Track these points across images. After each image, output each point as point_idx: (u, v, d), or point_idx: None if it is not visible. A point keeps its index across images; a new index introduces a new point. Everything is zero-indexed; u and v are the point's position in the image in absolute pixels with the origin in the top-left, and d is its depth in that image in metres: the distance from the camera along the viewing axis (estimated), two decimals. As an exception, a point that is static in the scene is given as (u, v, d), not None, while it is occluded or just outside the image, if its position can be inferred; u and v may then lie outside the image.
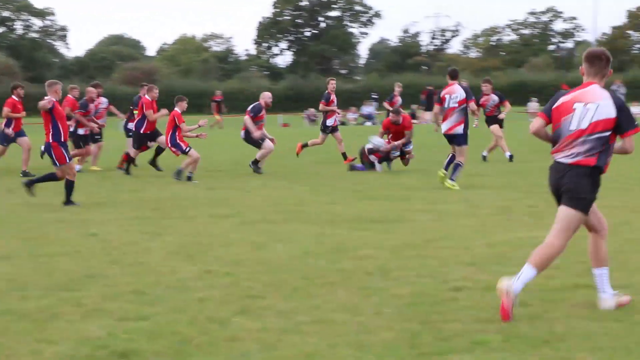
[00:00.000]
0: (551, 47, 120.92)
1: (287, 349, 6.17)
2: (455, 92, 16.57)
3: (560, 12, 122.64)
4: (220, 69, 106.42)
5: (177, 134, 19.00)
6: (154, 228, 11.97)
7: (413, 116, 48.71)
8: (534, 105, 56.41)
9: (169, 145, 19.10)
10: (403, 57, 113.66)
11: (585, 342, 6.12)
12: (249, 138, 20.36)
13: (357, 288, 8.04)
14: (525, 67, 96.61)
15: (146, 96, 20.60)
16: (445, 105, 16.69)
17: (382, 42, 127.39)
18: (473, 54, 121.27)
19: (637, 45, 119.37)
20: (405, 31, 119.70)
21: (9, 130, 20.69)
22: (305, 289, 8.07)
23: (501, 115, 23.05)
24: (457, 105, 16.52)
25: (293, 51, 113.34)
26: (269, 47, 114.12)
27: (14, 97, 20.69)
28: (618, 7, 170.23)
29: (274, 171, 20.09)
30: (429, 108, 54.96)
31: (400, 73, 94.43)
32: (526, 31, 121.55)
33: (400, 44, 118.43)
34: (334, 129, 22.37)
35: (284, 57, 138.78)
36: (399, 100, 29.31)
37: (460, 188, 16.03)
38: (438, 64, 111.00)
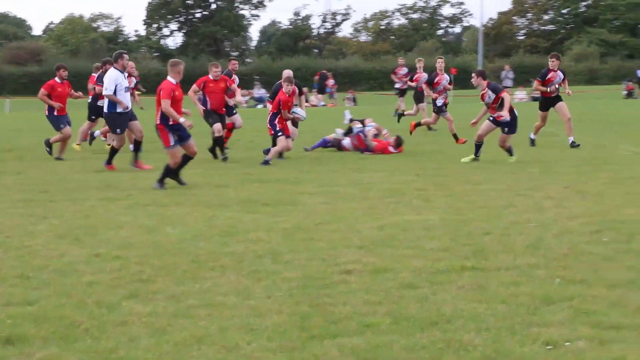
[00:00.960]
0: (440, 32, 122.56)
1: (177, 333, 6.12)
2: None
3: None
4: (109, 49, 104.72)
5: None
6: (41, 211, 11.73)
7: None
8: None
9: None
10: (294, 40, 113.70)
11: (472, 323, 6.23)
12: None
13: (248, 271, 8.03)
14: (414, 51, 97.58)
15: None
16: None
17: (273, 24, 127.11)
18: (363, 37, 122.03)
19: (523, 31, 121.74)
20: (297, 14, 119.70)
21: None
22: (195, 272, 8.02)
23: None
24: None
25: (183, 32, 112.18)
26: (159, 28, 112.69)
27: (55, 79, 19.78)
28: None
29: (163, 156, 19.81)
30: (321, 91, 55.28)
31: (291, 56, 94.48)
32: (415, 15, 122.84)
33: (291, 27, 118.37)
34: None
35: (174, 39, 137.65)
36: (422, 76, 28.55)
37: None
38: (329, 47, 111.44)
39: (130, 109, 17.38)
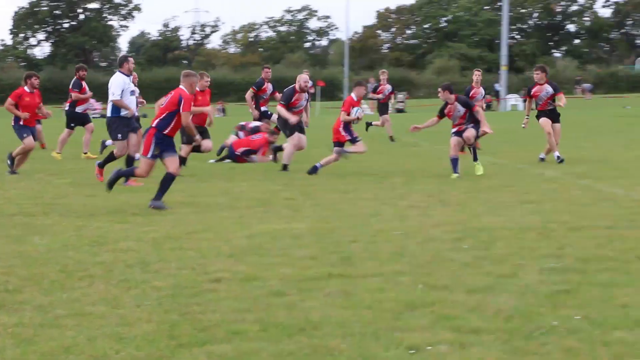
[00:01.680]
0: (307, 45, 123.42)
1: (44, 343, 5.99)
2: None
3: (315, 11, 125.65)
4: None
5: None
6: None
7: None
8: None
9: None
10: (163, 51, 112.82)
11: (339, 329, 6.28)
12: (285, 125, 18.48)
13: (117, 281, 7.91)
14: (282, 63, 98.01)
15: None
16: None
17: (142, 35, 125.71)
18: (232, 49, 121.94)
19: (387, 45, 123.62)
20: (166, 25, 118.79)
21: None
22: (64, 282, 7.86)
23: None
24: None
25: (51, 42, 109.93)
26: (26, 38, 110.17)
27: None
28: (368, 7, 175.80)
29: (33, 166, 19.37)
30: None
31: (160, 67, 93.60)
32: (283, 28, 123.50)
33: (160, 38, 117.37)
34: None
35: (41, 48, 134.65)
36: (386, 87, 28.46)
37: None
38: (198, 59, 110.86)
39: (135, 116, 16.41)
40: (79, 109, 21.62)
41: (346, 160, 17.72)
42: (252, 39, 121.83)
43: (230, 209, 12.54)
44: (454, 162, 16.67)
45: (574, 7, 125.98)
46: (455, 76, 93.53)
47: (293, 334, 6.18)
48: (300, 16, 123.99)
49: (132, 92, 16.11)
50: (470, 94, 22.31)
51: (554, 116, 19.02)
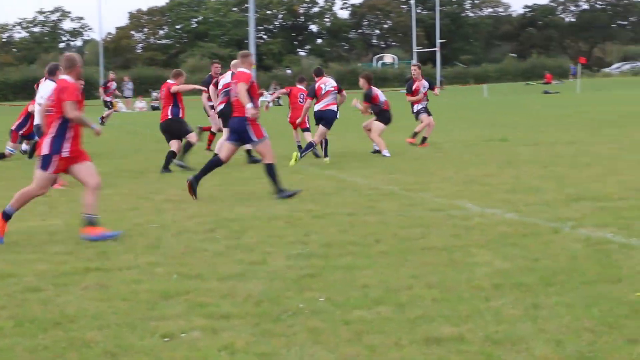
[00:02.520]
0: (62, 45, 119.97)
1: None
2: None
3: (69, 12, 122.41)
4: None
5: None
6: None
7: None
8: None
9: None
10: None
11: (95, 321, 6.14)
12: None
13: None
14: (37, 64, 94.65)
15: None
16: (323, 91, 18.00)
17: None
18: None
19: (141, 45, 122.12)
20: None
21: None
22: None
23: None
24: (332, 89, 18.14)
25: None
26: None
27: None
28: (121, 8, 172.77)
29: None
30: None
31: None
32: (36, 29, 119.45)
33: None
34: None
35: None
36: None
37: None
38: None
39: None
40: None
41: (105, 159, 17.36)
42: (5, 40, 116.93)
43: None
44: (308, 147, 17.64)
45: (315, 9, 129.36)
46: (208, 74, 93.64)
47: (48, 329, 6.00)
48: (53, 17, 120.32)
49: None
50: (414, 87, 21.43)
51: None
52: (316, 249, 8.60)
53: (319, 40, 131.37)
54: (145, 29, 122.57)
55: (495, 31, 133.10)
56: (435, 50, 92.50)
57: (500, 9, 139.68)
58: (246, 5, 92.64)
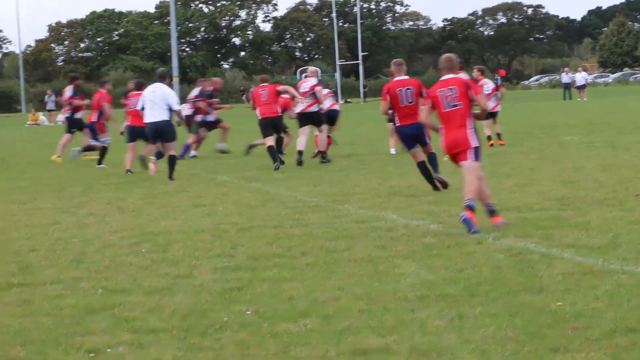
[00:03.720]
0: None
1: None
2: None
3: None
4: None
5: None
6: None
7: None
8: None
9: None
10: None
11: (18, 338, 6.03)
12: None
13: None
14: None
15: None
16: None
17: None
18: None
19: (61, 58, 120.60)
20: None
21: None
22: None
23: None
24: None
25: None
26: None
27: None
28: (40, 21, 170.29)
29: None
30: None
31: None
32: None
33: None
34: None
35: None
36: None
37: None
38: None
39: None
40: (78, 115, 22.08)
41: (24, 173, 17.07)
42: None
43: None
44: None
45: (238, 22, 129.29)
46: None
47: (-30, 347, 5.86)
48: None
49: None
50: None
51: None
52: (243, 261, 8.57)
53: (242, 53, 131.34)
54: (66, 42, 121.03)
55: (416, 44, 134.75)
56: (357, 63, 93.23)
57: (421, 22, 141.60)
58: (168, 18, 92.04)
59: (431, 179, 13.33)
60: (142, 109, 16.99)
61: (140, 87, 18.87)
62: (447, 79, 10.16)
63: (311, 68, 21.30)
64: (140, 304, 6.93)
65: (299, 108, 18.89)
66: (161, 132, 16.80)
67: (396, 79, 13.66)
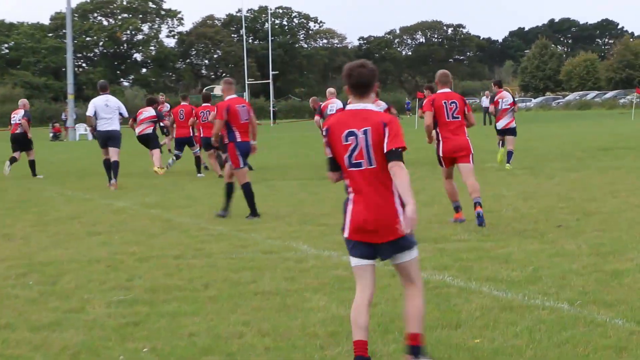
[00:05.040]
0: None
1: None
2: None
3: None
4: None
5: None
6: None
7: None
8: None
9: None
10: None
11: None
12: None
13: None
14: None
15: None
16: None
17: None
18: None
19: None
20: None
21: None
22: None
23: None
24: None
25: None
26: None
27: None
28: None
29: None
30: None
31: None
32: None
33: None
34: None
35: None
36: None
37: None
38: None
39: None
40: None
41: None
42: None
43: None
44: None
45: (140, 36, 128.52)
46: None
47: None
48: None
49: None
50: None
51: None
52: (140, 294, 8.47)
53: (144, 70, 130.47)
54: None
55: (331, 63, 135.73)
56: (268, 82, 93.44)
57: (336, 41, 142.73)
58: (63, 31, 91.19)
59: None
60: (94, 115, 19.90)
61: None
62: (448, 92, 12.84)
63: (329, 89, 23.34)
64: (25, 341, 6.78)
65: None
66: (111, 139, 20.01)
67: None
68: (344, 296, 8.12)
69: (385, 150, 5.59)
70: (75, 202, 16.98)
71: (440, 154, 12.82)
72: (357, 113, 5.74)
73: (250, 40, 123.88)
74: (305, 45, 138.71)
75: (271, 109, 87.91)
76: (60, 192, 19.27)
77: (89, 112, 19.96)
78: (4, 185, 18.31)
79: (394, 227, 5.61)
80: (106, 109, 19.88)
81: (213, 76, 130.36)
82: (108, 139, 20.01)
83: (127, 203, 16.81)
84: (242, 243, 11.53)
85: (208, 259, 10.39)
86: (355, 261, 5.79)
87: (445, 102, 12.66)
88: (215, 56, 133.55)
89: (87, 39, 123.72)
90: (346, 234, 5.77)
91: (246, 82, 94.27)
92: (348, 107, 5.90)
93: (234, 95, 14.68)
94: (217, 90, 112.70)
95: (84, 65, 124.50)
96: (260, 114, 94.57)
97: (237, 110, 14.23)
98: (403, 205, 5.52)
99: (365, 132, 5.66)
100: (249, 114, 14.40)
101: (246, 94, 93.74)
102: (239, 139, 14.25)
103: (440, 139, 12.75)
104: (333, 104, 22.47)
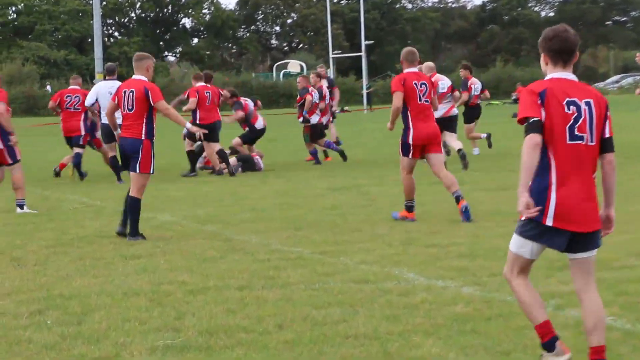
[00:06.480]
0: None
1: None
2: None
3: None
4: None
5: None
6: None
7: None
8: None
9: None
10: None
11: None
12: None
13: None
14: None
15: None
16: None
17: None
18: None
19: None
20: None
21: None
22: None
23: None
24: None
25: None
26: None
27: None
28: None
29: None
30: None
31: None
32: None
33: None
34: None
35: None
36: None
37: None
38: None
39: None
40: None
41: None
42: None
43: None
44: None
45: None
46: (35, 87, 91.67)
47: None
48: None
49: None
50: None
51: None
52: (193, 338, 8.55)
53: (195, 40, 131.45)
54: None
55: (444, 29, 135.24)
56: (360, 56, 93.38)
57: (450, 0, 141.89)
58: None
59: None
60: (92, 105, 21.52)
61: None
62: (417, 72, 14.96)
63: (428, 63, 23.70)
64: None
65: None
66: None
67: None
68: (465, 341, 8.09)
69: (607, 135, 6.67)
70: (105, 216, 17.20)
71: (410, 142, 14.76)
72: (570, 82, 6.60)
73: (335, 1, 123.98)
74: (410, 6, 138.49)
75: (364, 90, 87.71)
76: (85, 202, 19.53)
77: (88, 101, 20.87)
78: (12, 194, 18.61)
79: (597, 218, 6.68)
80: (110, 97, 19.46)
81: (286, 48, 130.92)
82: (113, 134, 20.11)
83: (173, 217, 16.96)
84: (327, 270, 11.56)
85: (283, 290, 10.45)
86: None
87: (415, 83, 14.71)
88: (288, 21, 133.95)
89: (120, 0, 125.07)
90: (549, 221, 6.54)
91: (330, 55, 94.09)
92: (552, 75, 6.75)
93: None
94: (292, 66, 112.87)
95: (116, 34, 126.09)
96: (350, 98, 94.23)
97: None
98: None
99: (588, 104, 6.52)
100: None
101: (330, 71, 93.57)
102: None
103: (410, 125, 14.75)
104: (442, 81, 23.52)
